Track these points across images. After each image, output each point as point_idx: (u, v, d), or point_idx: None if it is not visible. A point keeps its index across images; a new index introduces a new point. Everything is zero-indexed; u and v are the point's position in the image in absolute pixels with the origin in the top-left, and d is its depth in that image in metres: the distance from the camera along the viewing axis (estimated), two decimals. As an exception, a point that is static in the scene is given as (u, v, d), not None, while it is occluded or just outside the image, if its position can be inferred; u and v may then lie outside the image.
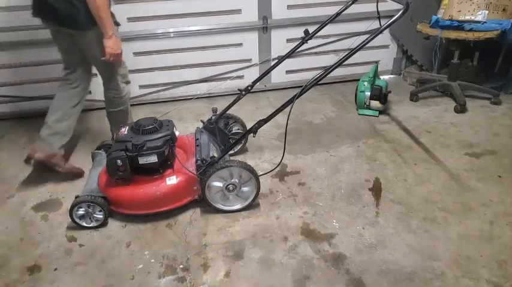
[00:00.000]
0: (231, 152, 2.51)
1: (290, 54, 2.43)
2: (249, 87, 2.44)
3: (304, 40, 2.33)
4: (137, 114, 3.27)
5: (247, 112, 3.10)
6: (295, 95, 1.93)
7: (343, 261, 1.83)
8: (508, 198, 2.20)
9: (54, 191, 2.37)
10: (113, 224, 2.09)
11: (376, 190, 2.30)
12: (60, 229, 2.07)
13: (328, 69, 1.95)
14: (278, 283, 1.74)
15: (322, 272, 1.78)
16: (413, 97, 3.41)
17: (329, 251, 1.88)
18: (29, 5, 2.91)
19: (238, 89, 2.46)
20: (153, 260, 1.86)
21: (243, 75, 3.57)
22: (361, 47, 1.87)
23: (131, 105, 3.42)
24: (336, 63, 1.95)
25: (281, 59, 2.44)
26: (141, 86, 3.46)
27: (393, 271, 1.77)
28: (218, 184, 2.06)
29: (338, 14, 2.29)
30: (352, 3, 2.28)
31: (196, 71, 3.50)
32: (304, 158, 2.62)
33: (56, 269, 1.83)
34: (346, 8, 2.28)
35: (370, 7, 3.31)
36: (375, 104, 3.13)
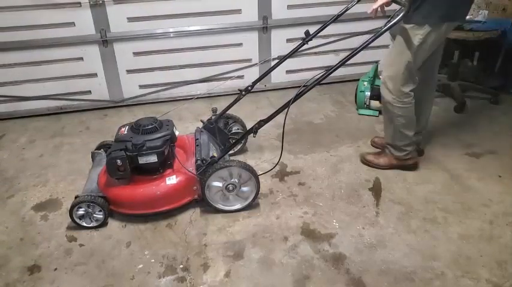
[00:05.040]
0: (230, 152, 2.51)
1: (290, 55, 2.42)
2: (249, 88, 2.43)
3: (305, 41, 2.33)
4: (137, 114, 3.27)
5: (247, 112, 3.10)
6: (295, 94, 1.93)
7: (343, 261, 1.83)
8: (508, 198, 2.20)
9: (54, 191, 2.37)
10: (113, 224, 2.09)
11: (376, 190, 2.30)
12: (60, 229, 2.07)
13: (329, 70, 1.95)
14: (278, 283, 1.74)
15: (322, 272, 1.78)
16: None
17: (329, 251, 1.88)
18: (28, 5, 2.95)
19: (239, 89, 2.46)
20: (153, 260, 1.86)
21: (243, 75, 3.57)
22: (361, 48, 1.88)
23: (131, 105, 3.46)
24: (336, 65, 1.95)
25: (281, 60, 2.44)
26: (141, 86, 3.46)
27: (393, 271, 1.77)
28: (218, 184, 2.06)
29: (339, 15, 2.28)
30: (356, 2, 2.27)
31: (196, 71, 3.49)
32: (304, 158, 2.62)
33: (56, 269, 1.83)
34: (347, 10, 2.27)
35: (370, 7, 3.32)
36: (375, 104, 3.13)
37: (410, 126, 2.30)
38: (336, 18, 2.29)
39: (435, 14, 1.97)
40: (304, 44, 2.35)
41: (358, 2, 2.26)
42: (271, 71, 2.52)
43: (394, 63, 2.14)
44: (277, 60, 2.48)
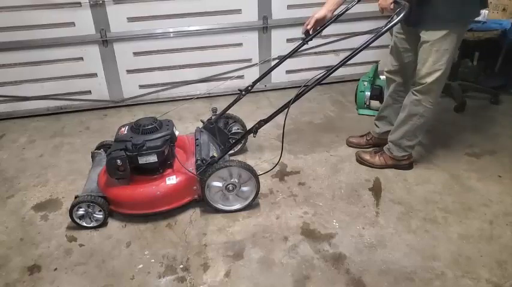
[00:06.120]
0: (231, 152, 2.50)
1: (291, 55, 2.42)
2: (249, 88, 2.43)
3: (305, 41, 2.33)
4: (137, 114, 3.28)
5: (247, 112, 3.10)
6: (296, 95, 1.93)
7: (343, 261, 1.83)
8: (508, 198, 2.20)
9: (54, 191, 2.37)
10: (113, 224, 2.09)
11: (376, 189, 2.30)
12: (60, 229, 2.07)
13: (330, 71, 1.95)
14: (278, 283, 1.73)
15: (322, 272, 1.78)
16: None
17: (329, 251, 1.88)
18: (28, 5, 2.95)
19: (239, 89, 2.46)
20: (153, 260, 1.86)
21: (243, 75, 3.57)
22: (362, 48, 1.87)
23: (131, 105, 3.46)
24: (337, 65, 1.95)
25: (281, 60, 2.44)
26: (141, 86, 3.46)
27: (393, 271, 1.77)
28: (218, 183, 2.06)
29: (339, 15, 2.28)
30: (357, 2, 2.27)
31: (196, 71, 3.49)
32: (304, 158, 2.62)
33: (56, 269, 1.83)
34: (347, 10, 2.27)
35: (370, 7, 3.32)
36: (375, 104, 3.13)
37: (423, 128, 2.34)
38: (336, 19, 2.29)
39: (464, 12, 2.02)
40: (304, 44, 2.35)
41: (358, 2, 2.26)
42: (271, 71, 2.51)
43: (436, 72, 2.13)
44: (277, 60, 2.47)
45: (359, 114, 3.21)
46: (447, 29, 2.02)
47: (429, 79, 2.14)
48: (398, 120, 2.38)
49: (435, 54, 2.09)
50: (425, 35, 2.09)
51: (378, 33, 1.88)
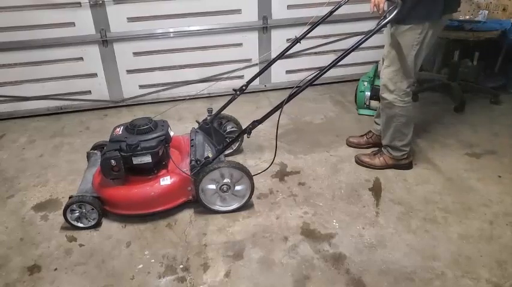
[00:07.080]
0: (228, 152, 2.50)
1: (284, 54, 2.44)
2: (244, 87, 2.44)
3: (297, 40, 2.35)
4: (137, 115, 3.27)
5: (247, 112, 3.10)
6: (289, 95, 1.94)
7: (343, 261, 1.83)
8: (508, 198, 2.20)
9: (54, 191, 2.37)
10: (113, 224, 2.09)
11: (376, 189, 2.30)
12: (60, 229, 2.07)
13: (322, 71, 1.96)
14: (278, 283, 1.73)
15: (322, 272, 1.78)
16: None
17: (329, 251, 1.88)
18: (28, 5, 2.95)
19: (233, 89, 2.46)
20: (153, 260, 1.86)
21: (243, 75, 3.57)
22: (353, 49, 1.89)
23: (131, 105, 3.46)
24: (329, 65, 1.96)
25: (274, 59, 2.46)
26: (141, 86, 3.47)
27: (393, 271, 1.77)
28: (211, 186, 2.05)
29: (331, 12, 2.31)
30: (345, 2, 2.29)
31: (196, 71, 3.50)
32: (304, 158, 2.62)
33: (56, 269, 1.83)
34: (337, 8, 2.29)
35: (369, 7, 3.31)
36: (375, 104, 3.13)
37: (409, 126, 2.34)
38: (329, 15, 2.31)
39: (435, 9, 2.02)
40: (296, 43, 2.37)
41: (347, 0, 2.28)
42: (264, 71, 2.53)
43: (394, 65, 2.18)
44: (278, 61, 2.49)
45: (359, 114, 3.21)
46: (409, 24, 2.05)
47: (384, 75, 2.19)
48: (382, 124, 2.41)
49: (397, 47, 2.12)
50: (396, 29, 2.13)
51: (369, 33, 1.88)
